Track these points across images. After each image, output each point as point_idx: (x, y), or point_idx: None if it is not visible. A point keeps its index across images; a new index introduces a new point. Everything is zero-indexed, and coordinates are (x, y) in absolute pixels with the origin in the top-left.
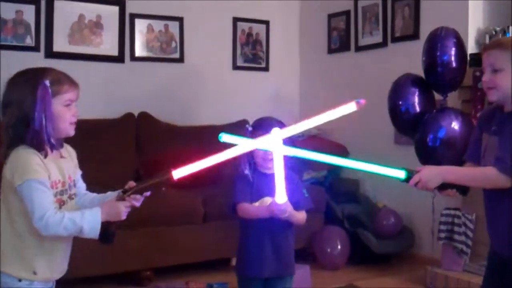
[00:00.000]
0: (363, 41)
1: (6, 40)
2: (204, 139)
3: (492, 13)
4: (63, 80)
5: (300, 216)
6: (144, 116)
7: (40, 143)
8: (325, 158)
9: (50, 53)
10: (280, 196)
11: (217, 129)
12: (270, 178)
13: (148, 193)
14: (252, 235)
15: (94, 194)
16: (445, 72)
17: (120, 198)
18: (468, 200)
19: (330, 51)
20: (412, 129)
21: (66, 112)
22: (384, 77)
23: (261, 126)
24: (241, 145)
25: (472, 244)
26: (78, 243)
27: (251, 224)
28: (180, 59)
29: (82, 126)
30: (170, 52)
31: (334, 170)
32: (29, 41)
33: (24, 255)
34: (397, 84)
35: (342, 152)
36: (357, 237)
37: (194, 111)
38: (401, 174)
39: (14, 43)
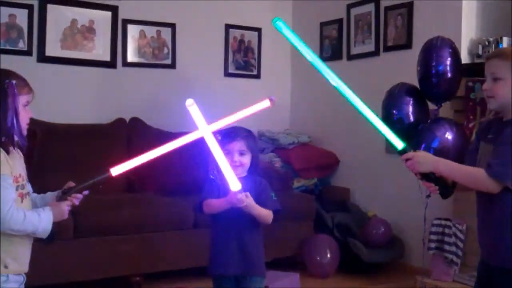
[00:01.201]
0: (355, 50)
1: None
2: (195, 145)
3: (485, 24)
4: (23, 83)
5: (264, 212)
6: (136, 121)
7: (8, 140)
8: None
9: (43, 58)
10: (233, 184)
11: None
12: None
13: (87, 192)
14: (217, 232)
15: (35, 194)
16: (440, 82)
17: (61, 199)
18: (459, 211)
19: (322, 59)
20: (405, 138)
21: (24, 113)
22: (376, 86)
23: (227, 135)
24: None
25: (462, 255)
26: (68, 249)
27: (217, 220)
28: (172, 65)
29: (74, 130)
30: (162, 58)
31: (325, 178)
32: (22, 45)
33: None
34: (392, 93)
35: (333, 160)
36: (347, 245)
37: (185, 117)
38: (400, 144)
39: (7, 47)
